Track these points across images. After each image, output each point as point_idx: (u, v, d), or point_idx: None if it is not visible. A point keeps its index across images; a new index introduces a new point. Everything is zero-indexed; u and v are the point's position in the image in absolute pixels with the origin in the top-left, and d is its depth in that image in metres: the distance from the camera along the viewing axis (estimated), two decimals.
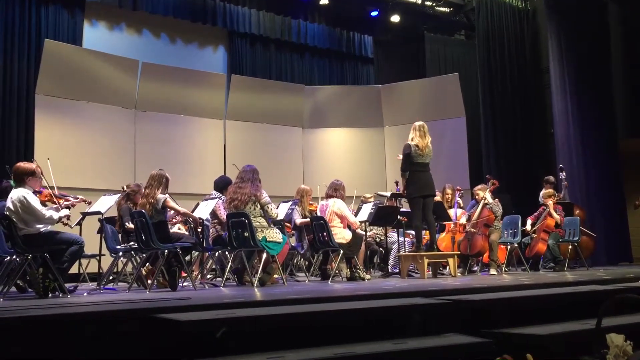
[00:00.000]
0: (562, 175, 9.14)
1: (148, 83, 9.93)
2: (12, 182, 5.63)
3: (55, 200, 5.53)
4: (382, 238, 8.17)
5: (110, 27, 10.89)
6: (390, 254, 7.87)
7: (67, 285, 5.17)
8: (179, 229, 7.03)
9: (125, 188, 6.70)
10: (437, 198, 7.47)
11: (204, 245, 6.36)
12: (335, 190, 6.85)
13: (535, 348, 3.09)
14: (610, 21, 10.55)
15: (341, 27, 13.16)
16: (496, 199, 7.72)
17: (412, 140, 6.70)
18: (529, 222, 8.05)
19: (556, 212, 7.93)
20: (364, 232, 7.12)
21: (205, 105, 10.51)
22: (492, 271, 7.17)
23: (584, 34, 10.26)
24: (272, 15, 12.28)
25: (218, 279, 6.95)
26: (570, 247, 7.99)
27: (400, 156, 6.82)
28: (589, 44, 10.22)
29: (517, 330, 3.37)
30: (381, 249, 8.24)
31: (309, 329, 3.04)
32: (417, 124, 6.83)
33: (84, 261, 7.44)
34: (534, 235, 7.98)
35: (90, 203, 6.16)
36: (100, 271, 6.45)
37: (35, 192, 5.23)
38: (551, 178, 8.77)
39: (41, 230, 5.09)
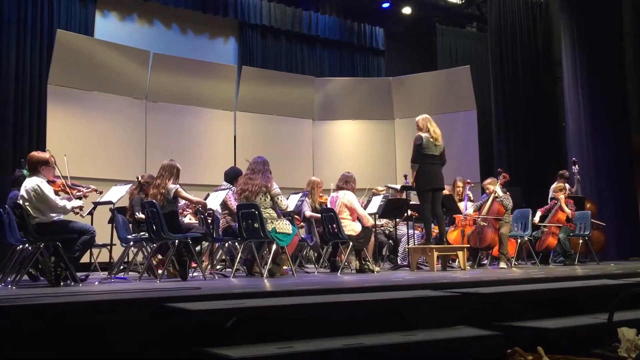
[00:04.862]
0: (575, 168, 9.07)
1: (159, 74, 9.95)
2: (24, 171, 5.67)
3: (68, 190, 5.57)
4: (391, 230, 8.17)
5: (121, 17, 10.92)
6: (399, 246, 7.86)
7: (78, 274, 5.21)
8: (190, 219, 7.06)
9: (139, 178, 6.74)
10: (446, 191, 7.44)
11: (214, 235, 6.38)
12: (346, 183, 6.83)
13: (546, 341, 3.08)
14: (624, 14, 10.42)
15: (352, 18, 13.11)
16: (507, 192, 7.69)
17: (430, 131, 6.62)
18: (538, 213, 8.01)
19: (567, 206, 7.89)
20: (373, 222, 7.11)
21: (215, 97, 10.52)
22: (502, 264, 7.14)
23: (597, 27, 10.15)
24: (283, 7, 12.26)
25: (228, 269, 6.98)
26: (580, 241, 7.95)
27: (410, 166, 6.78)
28: (602, 37, 10.11)
29: (527, 323, 3.35)
30: (390, 240, 8.23)
31: (318, 320, 3.04)
32: (427, 115, 6.78)
33: (95, 250, 7.51)
34: (545, 229, 7.95)
35: (101, 193, 6.19)
36: (111, 260, 6.49)
37: (48, 182, 5.26)
38: (566, 173, 8.73)
39: (54, 219, 5.13)
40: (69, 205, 5.20)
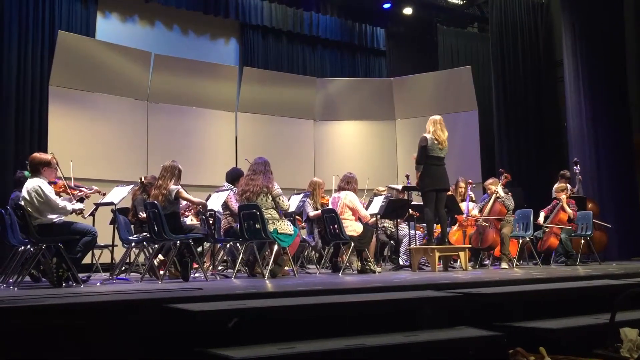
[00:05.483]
0: (577, 169, 9.06)
1: (160, 75, 9.96)
2: (26, 172, 5.67)
3: (69, 191, 5.57)
4: (393, 230, 8.16)
5: (123, 18, 10.93)
6: (401, 246, 7.85)
7: (80, 275, 5.21)
8: (191, 220, 7.06)
9: (142, 179, 6.75)
10: (448, 192, 7.43)
11: (216, 236, 6.38)
12: (348, 183, 6.84)
13: (548, 341, 3.08)
14: (626, 14, 10.41)
15: (353, 19, 13.11)
16: (508, 193, 7.68)
17: (430, 132, 6.63)
18: (542, 214, 8.00)
19: (569, 207, 7.88)
20: (374, 220, 7.10)
21: (217, 98, 10.52)
22: (504, 265, 7.13)
23: (598, 27, 10.14)
24: (284, 7, 12.26)
25: (229, 270, 6.98)
26: (582, 241, 7.94)
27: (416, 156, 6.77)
28: (603, 36, 10.10)
29: (529, 323, 3.35)
30: (392, 241, 8.23)
31: (320, 321, 3.05)
32: (436, 117, 6.77)
33: (97, 251, 7.51)
34: (547, 230, 7.94)
35: (104, 194, 6.20)
36: (113, 261, 6.49)
37: (50, 183, 5.27)
38: (567, 173, 8.71)
39: (55, 220, 5.13)
40: (69, 206, 5.20)
